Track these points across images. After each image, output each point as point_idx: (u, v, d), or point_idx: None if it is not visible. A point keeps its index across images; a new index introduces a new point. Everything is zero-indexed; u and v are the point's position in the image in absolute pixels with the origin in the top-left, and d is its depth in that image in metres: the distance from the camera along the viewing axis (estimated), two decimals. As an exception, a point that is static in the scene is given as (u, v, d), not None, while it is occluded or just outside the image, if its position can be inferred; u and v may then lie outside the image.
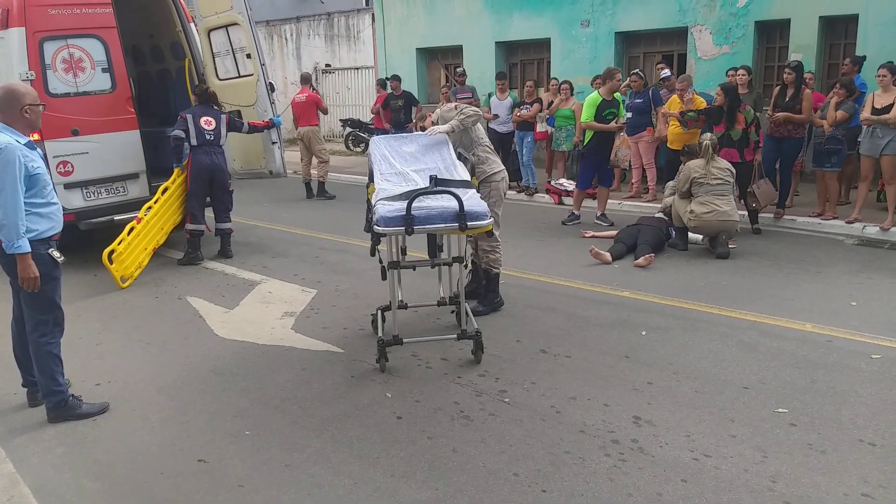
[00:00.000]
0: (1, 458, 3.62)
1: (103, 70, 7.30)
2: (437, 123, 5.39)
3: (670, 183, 8.07)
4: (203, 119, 7.32)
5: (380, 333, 4.73)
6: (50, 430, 3.92)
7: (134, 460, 3.60)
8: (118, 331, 5.50)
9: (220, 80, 7.98)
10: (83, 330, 5.41)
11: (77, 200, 7.13)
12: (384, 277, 4.76)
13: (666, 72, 10.01)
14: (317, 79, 20.84)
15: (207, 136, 7.30)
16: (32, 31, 6.78)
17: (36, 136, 4.02)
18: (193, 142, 7.27)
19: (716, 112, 7.87)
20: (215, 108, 7.55)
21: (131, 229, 6.79)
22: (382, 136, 5.87)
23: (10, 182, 3.61)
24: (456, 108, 5.38)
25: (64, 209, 6.67)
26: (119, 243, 6.59)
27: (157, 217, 7.18)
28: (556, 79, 10.96)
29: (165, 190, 7.29)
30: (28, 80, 6.59)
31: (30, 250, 3.70)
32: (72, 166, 7.06)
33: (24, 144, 3.74)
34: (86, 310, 5.93)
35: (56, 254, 3.90)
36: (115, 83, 7.39)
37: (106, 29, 7.28)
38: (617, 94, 8.53)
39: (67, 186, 6.99)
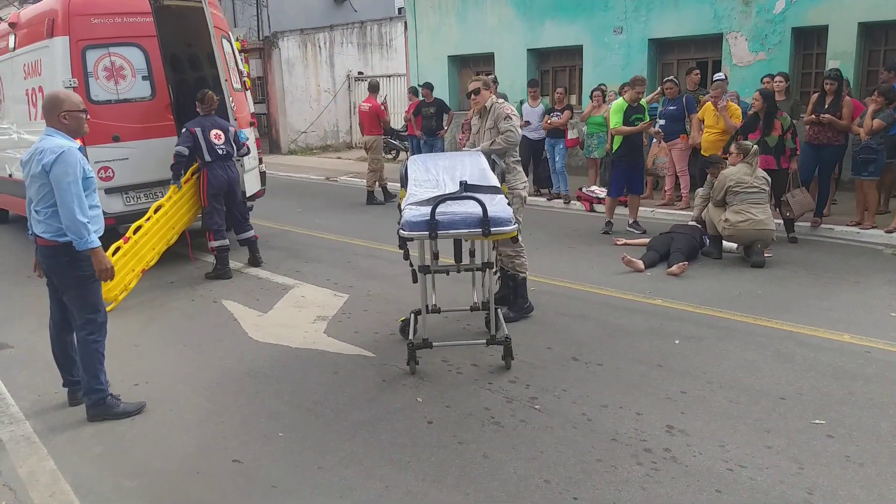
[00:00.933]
0: (43, 456, 3.72)
1: (143, 78, 7.50)
2: (488, 110, 5.48)
3: (699, 191, 7.98)
4: (213, 132, 7.05)
5: (411, 336, 4.75)
6: (89, 428, 4.02)
7: (170, 459, 3.67)
8: (155, 333, 5.62)
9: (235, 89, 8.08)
10: (122, 332, 5.53)
11: (118, 205, 7.35)
12: (415, 280, 4.72)
13: (720, 75, 9.90)
14: (349, 86, 21.08)
15: (220, 151, 7.04)
16: (76, 40, 7.06)
17: (78, 142, 4.16)
18: (207, 157, 7.00)
19: (752, 119, 7.78)
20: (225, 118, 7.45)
21: (117, 249, 6.22)
22: (417, 155, 5.91)
23: (74, 183, 3.76)
24: (507, 118, 5.36)
25: (105, 213, 6.74)
26: None
27: (149, 236, 6.74)
28: (603, 86, 10.76)
29: (159, 208, 6.91)
30: (71, 88, 6.78)
31: (100, 244, 3.89)
32: (112, 171, 7.26)
33: (77, 149, 3.89)
34: (124, 312, 6.06)
35: None
36: (154, 91, 7.57)
37: (146, 38, 7.48)
38: (642, 101, 8.52)
39: (108, 191, 7.20)
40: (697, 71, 10.28)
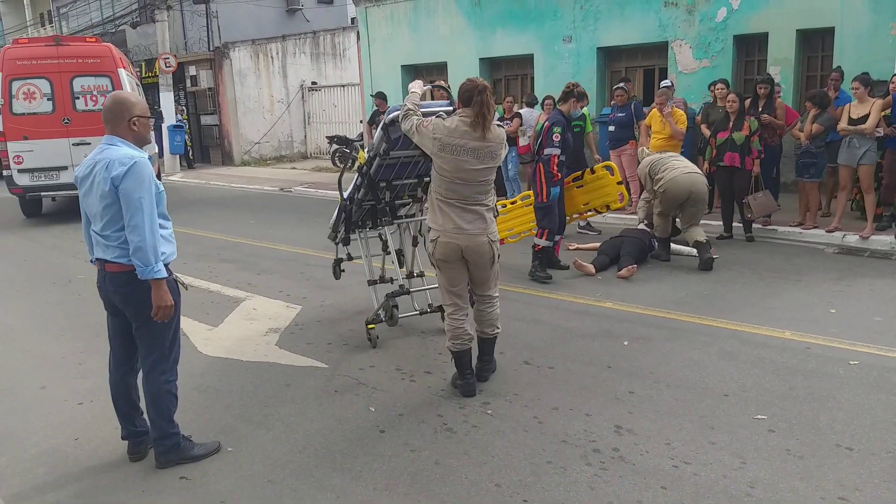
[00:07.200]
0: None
1: (48, 99, 11.05)
2: None
3: (644, 195, 8.18)
4: None
5: (376, 305, 5.17)
6: (31, 450, 3.89)
7: (116, 478, 3.58)
8: (101, 349, 5.43)
9: None
10: (66, 349, 5.40)
11: (25, 180, 11.08)
12: (336, 276, 5.73)
13: (666, 82, 10.12)
14: (303, 96, 20.96)
15: None
16: (6, 76, 10.81)
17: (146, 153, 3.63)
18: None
19: (724, 118, 8.07)
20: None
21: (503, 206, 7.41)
22: None
23: (147, 199, 3.27)
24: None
25: (16, 184, 11.26)
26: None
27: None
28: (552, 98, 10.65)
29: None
30: None
31: (167, 275, 3.38)
32: (22, 159, 10.94)
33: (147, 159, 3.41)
34: (69, 328, 5.91)
35: (182, 279, 3.54)
36: (55, 107, 11.07)
37: (54, 74, 10.95)
38: (585, 109, 8.66)
39: (20, 171, 11.00)
40: (624, 82, 10.43)
